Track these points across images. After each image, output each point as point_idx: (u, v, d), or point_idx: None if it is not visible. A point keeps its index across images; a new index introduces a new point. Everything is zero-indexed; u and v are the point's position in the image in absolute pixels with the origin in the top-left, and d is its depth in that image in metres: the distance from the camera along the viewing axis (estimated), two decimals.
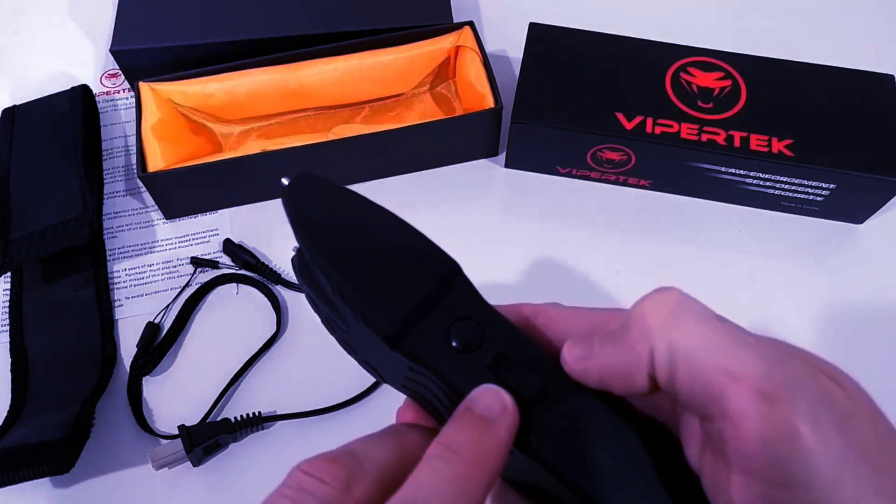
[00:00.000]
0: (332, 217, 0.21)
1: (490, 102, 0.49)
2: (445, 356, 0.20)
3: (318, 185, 0.22)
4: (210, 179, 0.47)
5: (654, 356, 0.19)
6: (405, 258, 0.21)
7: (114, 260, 0.49)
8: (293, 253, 0.23)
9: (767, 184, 0.48)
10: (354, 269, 0.21)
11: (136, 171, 0.51)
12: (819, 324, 0.46)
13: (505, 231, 0.50)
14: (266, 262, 0.47)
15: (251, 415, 0.41)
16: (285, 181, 0.22)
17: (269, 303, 0.46)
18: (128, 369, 0.44)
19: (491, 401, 0.19)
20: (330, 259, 0.21)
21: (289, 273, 0.47)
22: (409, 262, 0.21)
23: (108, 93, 0.57)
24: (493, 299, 0.22)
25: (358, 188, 0.52)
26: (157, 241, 0.49)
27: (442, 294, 0.21)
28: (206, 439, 0.40)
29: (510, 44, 0.58)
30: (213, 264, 0.48)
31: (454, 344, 0.20)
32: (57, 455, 0.37)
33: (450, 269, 0.21)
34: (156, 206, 0.50)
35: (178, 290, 0.47)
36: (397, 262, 0.21)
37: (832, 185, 0.47)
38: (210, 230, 0.50)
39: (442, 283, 0.21)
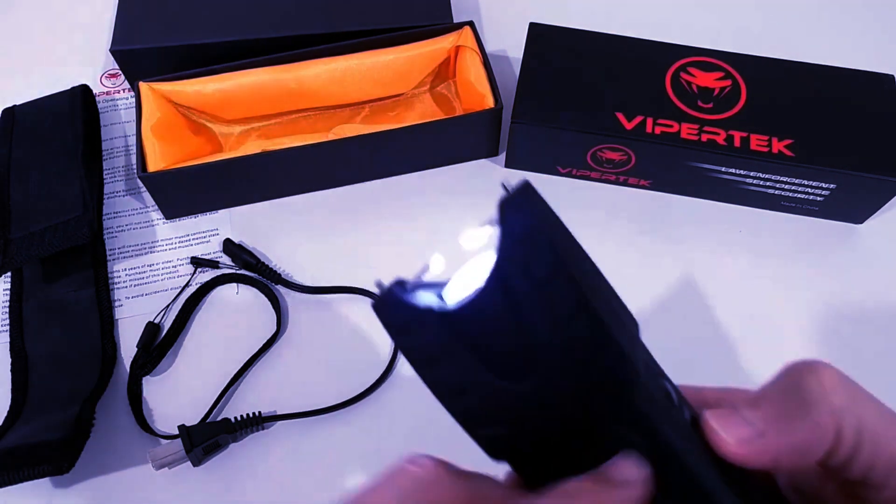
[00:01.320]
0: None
1: (490, 102, 0.49)
2: (668, 413, 0.19)
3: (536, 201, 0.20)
4: (210, 179, 0.47)
5: (841, 434, 0.19)
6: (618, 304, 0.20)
7: (114, 260, 0.49)
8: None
9: (767, 184, 0.48)
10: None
11: (136, 171, 0.51)
12: (819, 324, 0.46)
13: None
14: (266, 262, 0.47)
15: (251, 415, 0.41)
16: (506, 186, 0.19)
17: (269, 303, 0.46)
18: (128, 369, 0.44)
19: (630, 472, 0.19)
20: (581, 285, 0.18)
21: (289, 273, 0.47)
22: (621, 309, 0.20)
23: (108, 93, 0.57)
24: None
25: (359, 188, 0.52)
26: (157, 241, 0.49)
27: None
28: (206, 439, 0.40)
29: (510, 44, 0.58)
30: (214, 264, 0.48)
31: (675, 400, 0.20)
32: (57, 455, 0.37)
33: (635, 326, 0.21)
34: (156, 206, 0.50)
35: (178, 290, 0.47)
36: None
37: (832, 185, 0.47)
38: (210, 230, 0.50)
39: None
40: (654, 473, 0.19)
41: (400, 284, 0.20)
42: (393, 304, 0.19)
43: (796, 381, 0.20)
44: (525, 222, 0.18)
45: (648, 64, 0.50)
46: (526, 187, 0.19)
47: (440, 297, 0.19)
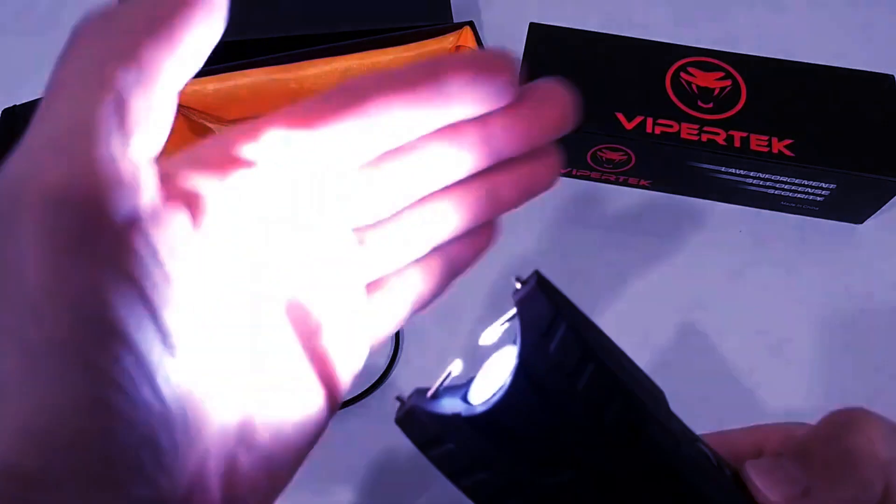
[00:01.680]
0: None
1: None
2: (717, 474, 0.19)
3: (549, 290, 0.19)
4: None
5: (890, 487, 0.18)
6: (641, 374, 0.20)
7: None
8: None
9: (767, 184, 0.48)
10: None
11: None
12: (819, 324, 0.46)
13: (504, 231, 0.50)
14: None
15: None
16: (518, 285, 0.19)
17: None
18: None
19: None
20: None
21: None
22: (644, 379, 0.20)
23: None
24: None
25: None
26: None
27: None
28: None
29: (510, 44, 0.58)
30: None
31: (713, 460, 0.20)
32: None
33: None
34: None
35: None
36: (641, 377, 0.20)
37: (832, 185, 0.47)
38: None
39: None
40: None
41: (421, 394, 0.19)
42: (417, 416, 0.19)
43: (840, 432, 0.19)
44: (543, 313, 0.18)
45: (648, 64, 0.50)
46: (539, 279, 0.19)
47: (465, 401, 0.19)
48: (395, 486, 0.41)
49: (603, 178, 0.51)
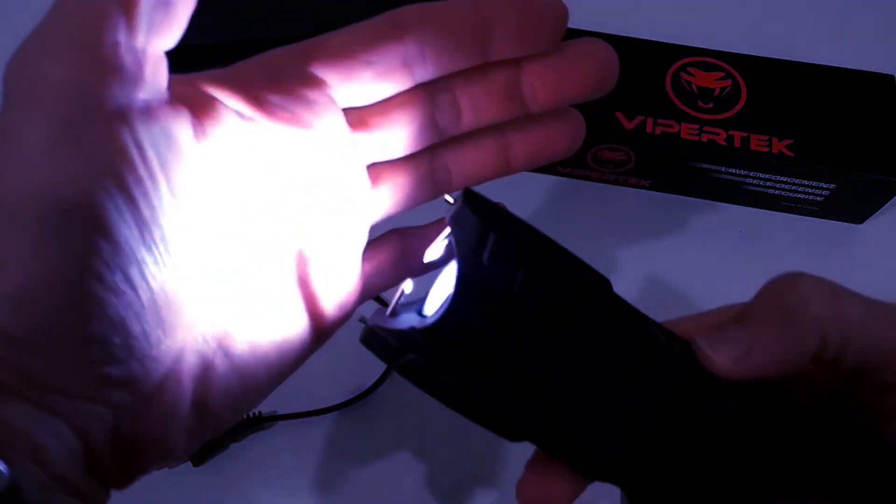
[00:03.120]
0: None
1: None
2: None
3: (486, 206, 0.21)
4: None
5: (826, 338, 0.20)
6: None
7: None
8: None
9: (767, 184, 0.48)
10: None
11: None
12: None
13: None
14: None
15: (251, 415, 0.41)
16: (450, 199, 0.21)
17: None
18: None
19: None
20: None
21: None
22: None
23: None
24: None
25: None
26: None
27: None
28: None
29: None
30: None
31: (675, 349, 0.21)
32: None
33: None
34: None
35: None
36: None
37: (832, 185, 0.47)
38: None
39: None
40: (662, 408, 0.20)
41: (381, 313, 0.21)
42: (378, 334, 0.20)
43: (777, 295, 0.21)
44: (474, 227, 0.19)
45: (648, 64, 0.50)
46: (466, 196, 0.20)
47: (420, 314, 0.21)
48: (395, 486, 0.41)
49: (603, 178, 0.51)
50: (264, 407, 0.43)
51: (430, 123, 0.22)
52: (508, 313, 0.19)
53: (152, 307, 0.17)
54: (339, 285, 0.22)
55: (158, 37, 0.17)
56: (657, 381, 0.20)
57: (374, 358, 0.48)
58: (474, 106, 0.22)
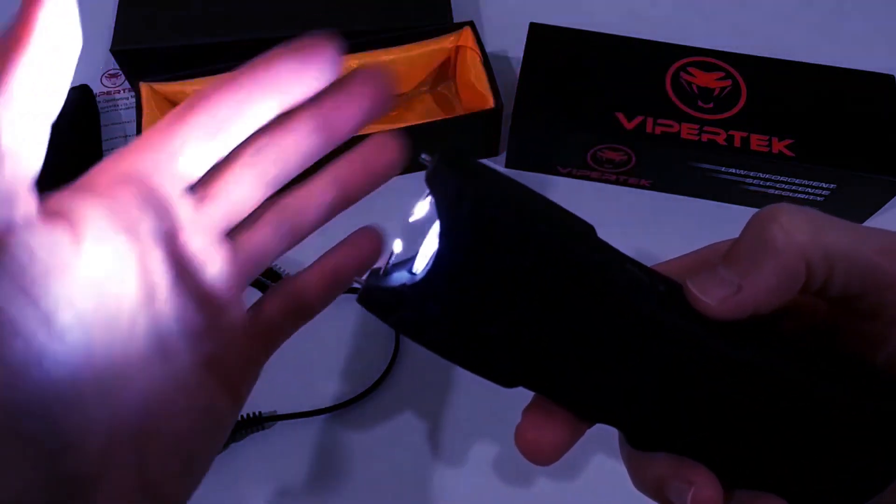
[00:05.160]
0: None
1: (490, 102, 0.49)
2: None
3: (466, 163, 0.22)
4: None
5: (811, 267, 0.20)
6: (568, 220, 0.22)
7: None
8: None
9: (767, 184, 0.48)
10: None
11: None
12: None
13: None
14: None
15: (251, 415, 0.41)
16: (427, 158, 0.22)
17: None
18: None
19: None
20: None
21: (288, 272, 0.47)
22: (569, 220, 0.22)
23: (108, 93, 0.57)
24: None
25: None
26: None
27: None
28: None
29: (510, 44, 0.58)
30: None
31: (661, 288, 0.21)
32: None
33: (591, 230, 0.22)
34: None
35: None
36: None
37: (832, 185, 0.47)
38: None
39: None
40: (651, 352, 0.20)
41: (374, 274, 0.22)
42: (373, 293, 0.21)
43: (760, 229, 0.21)
44: (451, 184, 0.20)
45: (648, 64, 0.50)
46: (442, 155, 0.21)
47: (411, 272, 0.22)
48: (394, 486, 0.41)
49: (603, 178, 0.51)
50: (264, 407, 0.43)
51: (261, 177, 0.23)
52: (493, 263, 0.20)
53: (74, 393, 0.18)
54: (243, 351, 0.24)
55: (23, 166, 0.18)
56: (648, 323, 0.20)
57: (374, 358, 0.49)
58: (290, 151, 0.23)
